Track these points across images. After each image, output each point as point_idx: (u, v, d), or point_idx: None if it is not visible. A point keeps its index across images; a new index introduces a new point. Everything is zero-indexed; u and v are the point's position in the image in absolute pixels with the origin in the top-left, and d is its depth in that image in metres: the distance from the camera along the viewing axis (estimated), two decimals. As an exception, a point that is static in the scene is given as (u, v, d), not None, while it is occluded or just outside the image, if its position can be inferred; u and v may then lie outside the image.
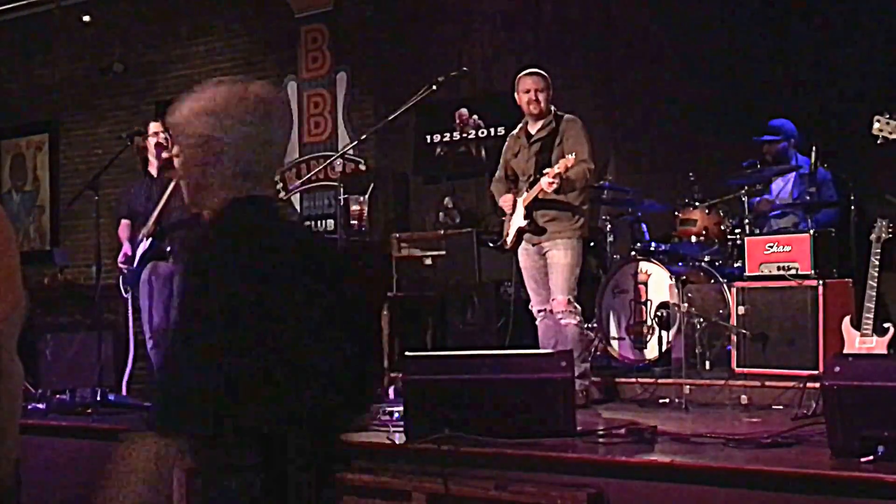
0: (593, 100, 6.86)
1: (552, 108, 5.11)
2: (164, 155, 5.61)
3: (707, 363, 5.19)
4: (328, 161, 7.42)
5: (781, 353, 4.99)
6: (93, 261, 5.68)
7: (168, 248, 5.51)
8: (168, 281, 5.53)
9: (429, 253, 6.95)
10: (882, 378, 3.28)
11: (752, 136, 5.79)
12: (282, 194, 8.45)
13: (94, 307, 6.94)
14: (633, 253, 5.80)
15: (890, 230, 4.62)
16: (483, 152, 7.46)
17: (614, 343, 5.66)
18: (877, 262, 4.53)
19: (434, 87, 5.23)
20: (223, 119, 1.83)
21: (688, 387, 4.89)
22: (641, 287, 5.58)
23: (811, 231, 5.08)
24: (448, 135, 7.65)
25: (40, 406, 5.44)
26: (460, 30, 7.65)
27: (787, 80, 6.22)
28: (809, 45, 6.16)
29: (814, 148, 5.31)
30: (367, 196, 6.95)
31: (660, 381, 5.14)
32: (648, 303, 5.54)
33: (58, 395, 5.71)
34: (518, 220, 5.06)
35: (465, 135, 7.58)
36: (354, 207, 6.80)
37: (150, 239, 5.49)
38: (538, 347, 5.02)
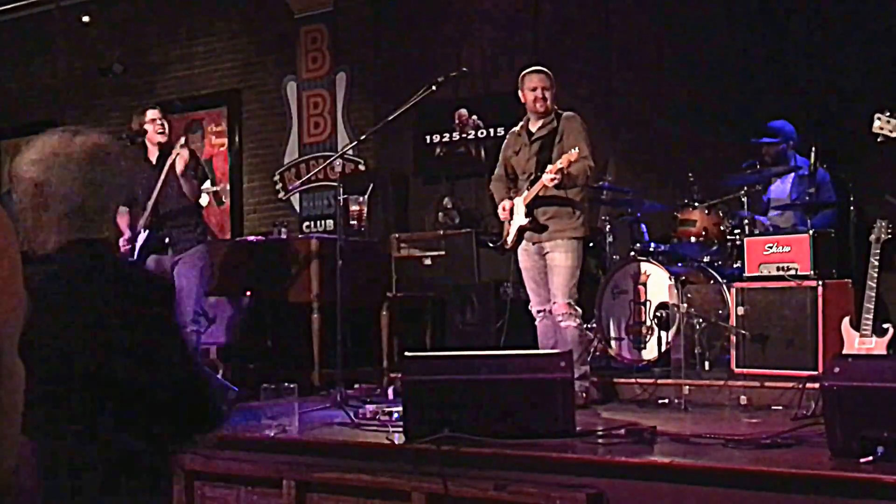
0: (593, 100, 6.86)
1: (554, 106, 5.11)
2: (162, 140, 5.60)
3: (706, 364, 5.20)
4: (328, 161, 7.42)
5: (781, 353, 5.00)
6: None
7: (166, 239, 5.50)
8: (171, 272, 5.53)
9: (428, 253, 6.95)
10: (881, 379, 3.28)
11: (751, 136, 5.80)
12: (281, 194, 8.47)
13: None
14: (632, 253, 5.80)
15: (889, 231, 4.62)
16: (482, 152, 7.46)
17: (614, 343, 5.66)
18: (876, 263, 4.53)
19: (433, 88, 5.23)
20: (51, 165, 1.96)
21: (687, 387, 4.89)
22: (641, 287, 5.59)
23: (811, 231, 5.08)
24: (447, 135, 7.65)
25: (40, 406, 5.42)
26: (460, 30, 7.65)
27: (786, 81, 6.22)
28: (809, 45, 6.17)
29: (813, 148, 5.32)
30: (366, 196, 6.96)
31: (659, 381, 5.14)
32: (648, 303, 5.54)
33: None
34: (519, 219, 5.06)
35: (464, 135, 7.59)
36: (354, 208, 6.80)
37: (147, 231, 5.48)
38: (537, 348, 5.01)
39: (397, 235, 7.14)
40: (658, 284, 5.51)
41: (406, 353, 4.22)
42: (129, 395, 1.90)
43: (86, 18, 9.13)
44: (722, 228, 5.66)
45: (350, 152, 7.50)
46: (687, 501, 3.30)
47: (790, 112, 5.93)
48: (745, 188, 5.52)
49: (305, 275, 6.70)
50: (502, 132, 6.59)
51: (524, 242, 5.10)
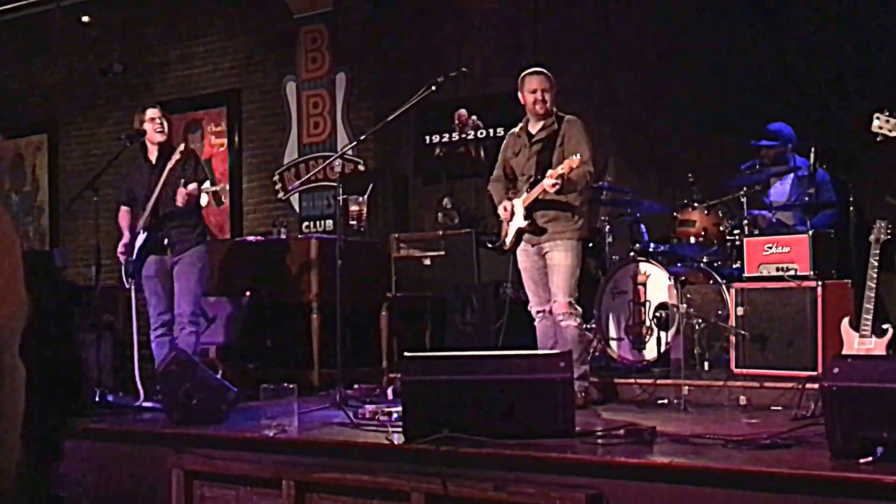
0: (593, 100, 6.86)
1: (554, 108, 5.10)
2: (161, 139, 5.60)
3: (706, 364, 5.20)
4: (327, 161, 7.42)
5: (780, 353, 5.00)
6: (92, 261, 5.68)
7: (165, 241, 5.50)
8: (170, 272, 5.53)
9: (428, 253, 6.95)
10: (881, 379, 3.28)
11: (750, 136, 5.80)
12: (281, 195, 8.47)
13: (93, 308, 6.93)
14: (632, 254, 5.81)
15: (888, 231, 4.62)
16: (482, 153, 7.46)
17: (613, 344, 5.66)
18: (875, 264, 4.53)
19: (433, 88, 5.23)
20: None
21: (687, 387, 4.89)
22: (640, 288, 5.59)
23: (810, 232, 5.08)
24: (447, 135, 7.65)
25: (39, 406, 5.42)
26: (460, 30, 7.66)
27: (786, 81, 6.23)
28: (808, 45, 6.17)
29: (812, 149, 5.32)
30: (366, 196, 6.95)
31: (659, 381, 5.13)
32: (647, 303, 5.54)
33: (57, 396, 5.70)
34: (518, 221, 5.06)
35: (464, 135, 7.59)
36: (353, 208, 6.80)
37: (147, 232, 5.48)
38: (536, 348, 5.01)
39: (397, 235, 7.15)
40: (657, 285, 5.51)
41: (405, 354, 4.22)
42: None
43: (85, 18, 9.13)
44: (721, 229, 5.66)
45: (350, 152, 7.51)
46: (686, 502, 3.30)
47: (790, 112, 5.94)
48: (745, 189, 5.52)
49: (305, 275, 6.70)
50: (502, 132, 6.59)
51: (523, 243, 5.09)
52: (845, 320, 4.64)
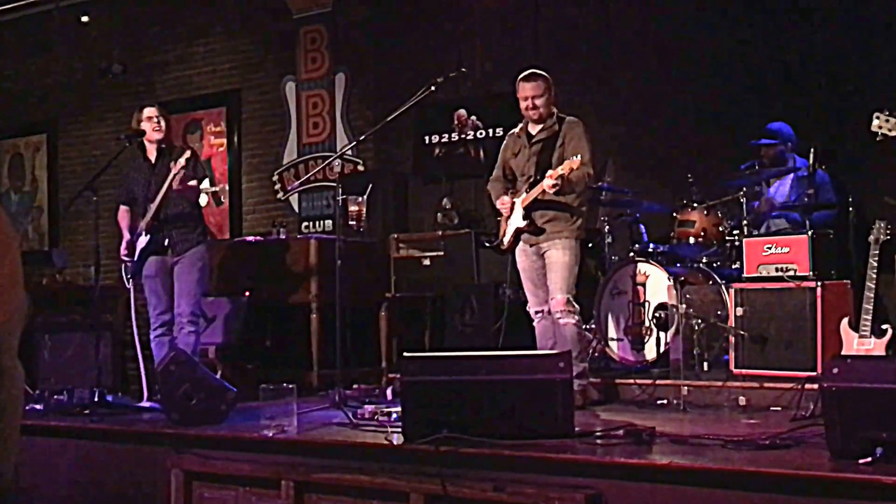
0: (593, 100, 6.86)
1: (554, 110, 5.10)
2: (158, 136, 5.59)
3: (705, 364, 5.19)
4: (327, 162, 7.43)
5: (780, 354, 5.00)
6: (91, 262, 5.68)
7: (166, 242, 5.50)
8: (170, 272, 5.53)
9: (427, 254, 6.95)
10: (880, 380, 3.28)
11: (750, 137, 5.80)
12: (280, 195, 8.46)
13: (92, 308, 6.93)
14: (631, 254, 5.81)
15: (888, 232, 4.62)
16: (481, 153, 7.46)
17: (613, 344, 5.66)
18: (875, 264, 4.53)
19: (433, 88, 5.23)
20: None
21: (686, 388, 4.89)
22: (640, 288, 5.59)
23: (809, 232, 5.08)
24: (447, 135, 7.65)
25: (38, 407, 5.44)
26: (460, 30, 7.65)
27: (785, 81, 6.23)
28: (808, 46, 6.17)
29: (812, 150, 5.32)
30: (365, 196, 6.94)
31: (658, 382, 5.14)
32: (647, 304, 5.54)
33: (56, 396, 5.71)
34: (516, 221, 5.06)
35: (463, 136, 7.59)
36: (353, 208, 6.78)
37: (149, 235, 5.48)
38: (536, 349, 5.01)
39: (396, 236, 7.15)
40: (657, 285, 5.51)
41: (405, 354, 4.22)
42: None
43: (85, 18, 9.12)
44: (721, 229, 5.67)
45: (349, 152, 7.51)
46: (686, 502, 3.30)
47: (789, 113, 5.94)
48: (745, 189, 5.52)
49: (304, 275, 6.70)
50: (501, 133, 6.59)
51: (521, 243, 5.09)
52: (844, 321, 4.64)
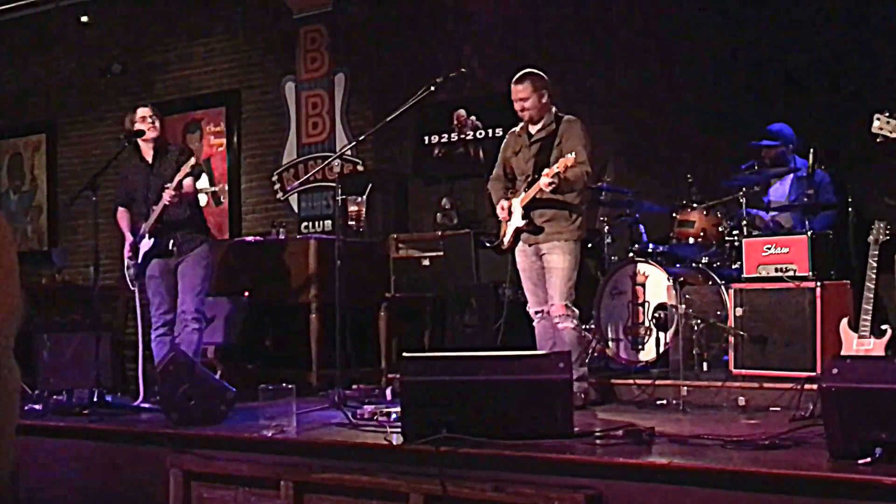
0: (593, 100, 6.86)
1: (553, 108, 5.10)
2: (154, 135, 5.58)
3: (705, 364, 5.19)
4: (326, 162, 7.43)
5: (779, 354, 5.00)
6: (91, 261, 5.68)
7: (171, 242, 5.50)
8: (174, 272, 5.54)
9: (427, 254, 6.95)
10: (880, 380, 3.28)
11: (750, 137, 5.80)
12: (280, 195, 8.46)
13: (91, 308, 6.93)
14: (631, 254, 5.80)
15: (887, 232, 4.62)
16: (481, 153, 7.46)
17: (612, 344, 5.66)
18: (874, 264, 4.53)
19: (432, 88, 5.23)
20: None
21: (685, 388, 4.89)
22: (639, 288, 5.59)
23: (809, 233, 5.08)
24: (446, 136, 7.65)
25: (37, 407, 5.43)
26: (459, 30, 7.65)
27: (785, 82, 6.23)
28: (808, 46, 6.17)
29: (811, 150, 5.32)
30: (365, 197, 6.95)
31: (657, 382, 5.13)
32: (646, 304, 5.54)
33: (55, 396, 5.71)
34: (516, 220, 5.06)
35: (463, 136, 7.59)
36: (352, 208, 6.80)
37: (154, 238, 5.48)
38: (535, 349, 5.01)
39: (396, 236, 7.14)
40: (656, 285, 5.51)
41: (404, 354, 4.21)
42: None
43: (84, 18, 9.12)
44: (720, 229, 5.66)
45: (349, 153, 7.50)
46: (685, 502, 3.29)
47: (789, 113, 5.94)
48: (744, 189, 5.52)
49: (304, 275, 6.69)
50: (501, 133, 6.58)
51: (521, 243, 5.09)
52: (844, 321, 4.64)
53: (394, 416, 4.39)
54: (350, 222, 6.71)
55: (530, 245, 5.05)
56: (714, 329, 5.22)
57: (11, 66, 10.02)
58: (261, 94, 8.63)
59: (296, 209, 8.34)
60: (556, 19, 7.27)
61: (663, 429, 3.98)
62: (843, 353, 4.53)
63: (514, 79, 5.06)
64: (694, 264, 5.72)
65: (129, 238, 5.63)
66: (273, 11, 8.49)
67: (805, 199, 5.38)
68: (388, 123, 5.46)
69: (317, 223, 8.19)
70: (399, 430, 3.99)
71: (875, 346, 4.49)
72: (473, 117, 7.55)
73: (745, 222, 5.49)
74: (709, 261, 5.69)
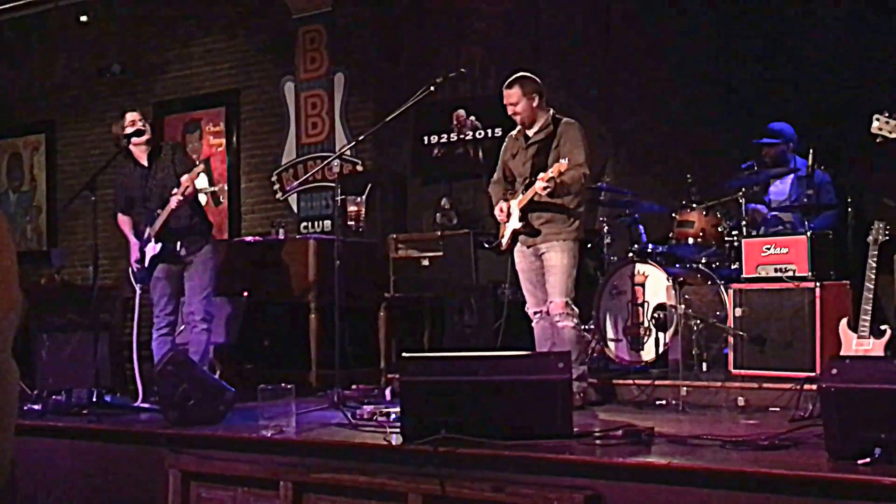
0: (592, 101, 6.86)
1: (551, 110, 5.10)
2: (147, 136, 5.58)
3: (704, 365, 5.19)
4: (326, 162, 7.42)
5: (779, 354, 4.99)
6: (90, 261, 5.68)
7: (178, 246, 5.51)
8: (180, 273, 5.56)
9: (426, 254, 6.95)
10: (879, 380, 3.28)
11: (749, 137, 5.80)
12: (279, 195, 8.46)
13: (90, 308, 6.92)
14: (630, 254, 5.80)
15: (887, 232, 4.62)
16: (480, 153, 7.46)
17: (611, 344, 5.66)
18: (874, 265, 4.53)
19: (432, 89, 5.23)
20: None
21: (685, 388, 4.89)
22: (639, 288, 5.58)
23: (808, 233, 5.08)
24: (445, 136, 7.65)
25: (36, 407, 5.42)
26: (459, 30, 7.65)
27: (785, 82, 6.23)
28: (807, 47, 6.17)
29: (811, 151, 5.32)
30: (364, 197, 6.95)
31: (657, 382, 5.13)
32: (646, 304, 5.54)
33: (54, 396, 5.70)
34: (513, 223, 5.06)
35: (462, 136, 7.58)
36: (352, 208, 6.80)
37: (161, 243, 5.48)
38: (534, 349, 5.01)
39: (395, 236, 7.14)
40: (656, 285, 5.51)
41: (404, 354, 4.22)
42: None
43: (84, 18, 9.11)
44: (720, 230, 5.66)
45: (348, 153, 7.49)
46: (684, 503, 3.29)
47: (789, 113, 5.94)
48: (744, 189, 5.52)
49: (303, 275, 6.69)
50: (500, 133, 6.59)
51: (519, 244, 5.09)
52: (843, 321, 4.64)
53: (393, 416, 4.39)
54: (349, 222, 6.70)
55: (528, 246, 5.05)
56: (713, 329, 5.22)
57: (11, 65, 10.01)
58: (260, 94, 8.62)
59: (295, 209, 8.34)
60: (556, 19, 7.26)
61: (662, 429, 3.98)
62: (842, 353, 4.53)
63: (505, 83, 5.07)
64: (693, 264, 5.72)
65: (134, 242, 5.63)
66: (272, 11, 8.48)
67: (805, 200, 5.38)
68: (387, 123, 5.46)
69: (316, 223, 8.19)
70: (398, 430, 3.98)
71: (874, 347, 4.49)
72: (473, 117, 7.54)
73: (744, 222, 5.48)
74: (708, 261, 5.69)
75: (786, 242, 5.15)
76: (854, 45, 6.04)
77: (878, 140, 4.31)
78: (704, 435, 3.80)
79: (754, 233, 5.52)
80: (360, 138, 5.87)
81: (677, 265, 5.77)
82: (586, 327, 5.53)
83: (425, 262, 6.93)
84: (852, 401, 3.26)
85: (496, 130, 7.20)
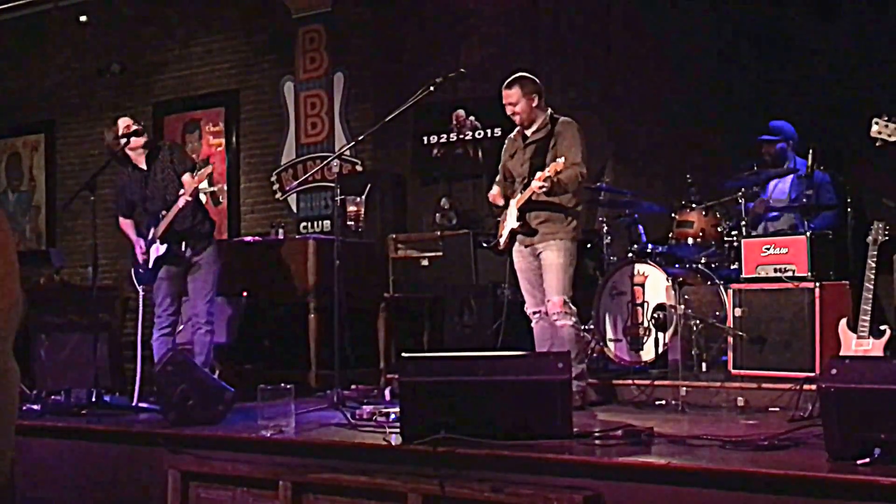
0: (592, 101, 6.86)
1: (549, 110, 5.10)
2: (144, 139, 5.58)
3: (704, 365, 5.19)
4: (325, 162, 7.42)
5: (778, 355, 4.99)
6: (89, 261, 5.67)
7: (183, 247, 5.51)
8: (184, 274, 5.57)
9: (425, 254, 6.94)
10: (879, 380, 3.28)
11: (749, 138, 5.80)
12: (278, 195, 8.46)
13: (89, 308, 6.92)
14: (630, 255, 5.80)
15: (886, 233, 4.62)
16: (480, 154, 7.45)
17: (611, 345, 5.66)
18: (873, 265, 4.53)
19: (431, 89, 5.22)
20: None
21: (684, 389, 4.88)
22: (638, 289, 5.58)
23: (808, 233, 5.08)
24: (445, 136, 7.65)
25: (35, 407, 5.42)
26: (458, 31, 7.65)
27: (784, 83, 6.23)
28: (807, 47, 6.17)
29: (811, 151, 5.32)
30: (363, 197, 6.94)
31: (656, 382, 5.13)
32: (645, 304, 5.54)
33: (53, 396, 5.70)
34: (511, 222, 5.06)
35: (461, 136, 7.58)
36: (351, 208, 6.78)
37: (166, 244, 5.48)
38: (534, 349, 5.01)
39: (395, 236, 7.14)
40: (655, 286, 5.51)
41: (403, 354, 4.22)
42: None
43: (83, 18, 9.11)
44: (719, 230, 5.66)
45: (347, 153, 7.50)
46: (684, 503, 3.29)
47: (789, 114, 5.94)
48: (743, 190, 5.52)
49: (302, 275, 6.69)
50: (499, 133, 6.59)
51: (517, 244, 5.09)
52: (843, 321, 4.63)
53: (392, 416, 4.39)
54: (349, 222, 6.69)
55: (526, 246, 5.05)
56: (713, 329, 5.21)
57: (10, 65, 10.01)
58: (260, 94, 8.62)
59: (294, 209, 8.34)
60: (556, 19, 7.26)
61: (662, 429, 3.98)
62: (841, 353, 4.53)
63: (505, 84, 5.07)
64: (693, 265, 5.72)
65: (138, 241, 5.63)
66: (272, 11, 8.48)
67: (804, 200, 5.38)
68: (386, 123, 5.46)
69: (315, 223, 8.19)
70: (397, 430, 3.98)
71: (874, 347, 4.48)
72: (472, 117, 7.54)
73: (744, 222, 5.48)
74: (708, 261, 5.69)
75: (785, 242, 5.15)
76: (854, 46, 6.04)
77: (877, 144, 4.31)
78: (704, 435, 3.80)
79: (753, 232, 5.51)
80: (360, 138, 5.87)
81: (677, 265, 5.77)
82: (586, 327, 5.52)
83: (425, 263, 6.93)
84: (852, 401, 3.26)
85: (496, 130, 7.20)
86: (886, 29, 5.94)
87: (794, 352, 4.94)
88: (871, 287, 4.49)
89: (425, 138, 7.73)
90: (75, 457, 4.78)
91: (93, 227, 5.65)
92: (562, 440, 3.78)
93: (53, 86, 9.75)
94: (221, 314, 6.68)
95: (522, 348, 4.97)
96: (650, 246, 5.86)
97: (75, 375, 6.64)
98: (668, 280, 5.42)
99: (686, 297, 5.25)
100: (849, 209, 5.49)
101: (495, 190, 5.19)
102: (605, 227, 6.02)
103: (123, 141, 5.52)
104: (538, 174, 4.81)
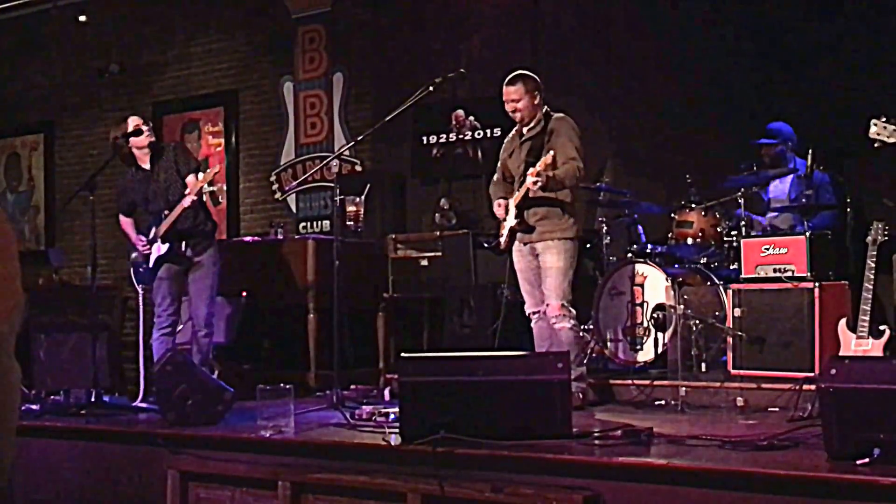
0: (591, 101, 6.86)
1: (545, 107, 5.10)
2: (151, 139, 5.58)
3: (703, 365, 5.20)
4: (324, 162, 7.42)
5: (778, 355, 4.99)
6: (88, 261, 5.67)
7: (184, 247, 5.51)
8: (184, 274, 5.57)
9: (425, 254, 6.94)
10: (878, 380, 3.28)
11: (748, 138, 5.80)
12: (278, 195, 8.46)
13: (88, 308, 6.92)
14: (629, 255, 5.80)
15: (885, 233, 4.62)
16: (479, 154, 7.45)
17: (610, 345, 5.66)
18: (873, 265, 4.53)
19: (431, 89, 5.22)
20: None
21: (684, 389, 4.88)
22: (638, 289, 5.58)
23: (807, 233, 5.08)
24: (444, 136, 7.64)
25: (34, 407, 5.43)
26: (457, 31, 7.65)
27: (784, 83, 6.23)
28: (807, 47, 6.17)
29: (810, 151, 5.32)
30: (363, 197, 6.95)
31: (656, 382, 5.13)
32: (645, 304, 5.54)
33: (52, 397, 5.70)
34: (510, 220, 5.06)
35: (461, 136, 7.58)
36: (350, 208, 6.79)
37: (168, 244, 5.48)
38: (533, 349, 5.01)
39: (394, 236, 7.13)
40: (655, 286, 5.51)
41: (402, 355, 4.22)
42: None
43: (82, 18, 9.11)
44: (719, 230, 5.66)
45: (347, 153, 7.50)
46: (683, 503, 3.29)
47: (788, 114, 5.94)
48: (743, 190, 5.52)
49: (302, 276, 6.69)
50: (499, 133, 6.58)
51: (517, 243, 5.09)
52: (842, 321, 4.64)
53: (392, 416, 4.39)
54: (348, 222, 6.70)
55: (526, 244, 5.04)
56: (712, 329, 5.22)
57: (9, 65, 10.00)
58: (259, 94, 8.62)
59: (294, 209, 8.34)
60: (556, 19, 7.26)
61: (661, 429, 3.98)
62: (841, 353, 4.53)
63: (506, 80, 5.07)
64: (692, 265, 5.72)
65: (139, 238, 5.62)
66: (271, 11, 8.48)
67: (804, 200, 5.38)
68: (386, 123, 5.45)
69: (315, 223, 8.19)
70: (397, 430, 3.98)
71: (873, 347, 4.49)
72: (472, 117, 7.54)
73: (743, 223, 5.49)
74: (707, 261, 5.69)
75: (785, 242, 5.14)
76: (854, 46, 6.04)
77: (875, 145, 4.30)
78: (703, 435, 3.80)
79: (753, 233, 5.51)
80: (359, 138, 5.86)
81: (676, 265, 5.77)
82: (585, 327, 5.52)
83: (424, 263, 6.93)
84: (851, 401, 3.26)
85: (495, 130, 7.19)
86: (887, 29, 5.94)
87: (793, 352, 4.94)
88: (871, 287, 4.49)
89: (425, 138, 7.73)
90: (75, 457, 4.78)
91: (92, 227, 5.64)
92: (561, 440, 3.79)
93: (52, 86, 9.75)
94: (221, 314, 6.68)
95: (522, 348, 4.97)
96: (650, 246, 5.86)
97: (74, 375, 6.63)
98: (667, 280, 5.42)
99: (685, 297, 5.25)
100: (848, 209, 5.50)
101: (500, 202, 5.13)
102: (605, 228, 6.02)
103: (134, 134, 5.51)
104: (530, 170, 4.81)
